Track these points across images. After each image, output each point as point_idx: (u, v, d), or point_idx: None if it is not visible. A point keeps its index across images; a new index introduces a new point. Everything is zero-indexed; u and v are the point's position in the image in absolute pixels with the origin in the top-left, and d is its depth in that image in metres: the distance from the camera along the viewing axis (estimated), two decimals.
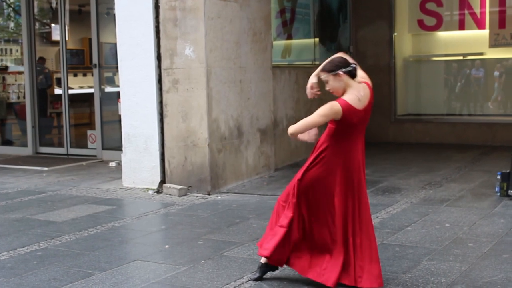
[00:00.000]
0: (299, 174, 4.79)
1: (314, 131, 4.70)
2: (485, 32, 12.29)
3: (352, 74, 4.58)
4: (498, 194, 7.60)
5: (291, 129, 4.66)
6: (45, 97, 12.90)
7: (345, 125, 4.54)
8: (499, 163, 9.33)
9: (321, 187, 4.69)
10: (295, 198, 4.76)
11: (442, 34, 13.05)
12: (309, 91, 4.84)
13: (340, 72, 4.55)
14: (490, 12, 12.23)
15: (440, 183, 8.58)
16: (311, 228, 4.77)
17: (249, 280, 4.98)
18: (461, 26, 12.65)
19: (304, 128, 4.64)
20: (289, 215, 4.76)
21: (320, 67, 4.69)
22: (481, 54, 12.63)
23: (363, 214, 4.71)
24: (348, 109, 4.50)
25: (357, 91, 4.57)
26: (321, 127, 4.65)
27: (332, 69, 4.58)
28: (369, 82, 4.69)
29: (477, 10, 12.35)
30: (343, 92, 4.58)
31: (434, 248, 5.67)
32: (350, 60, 4.65)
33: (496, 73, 12.63)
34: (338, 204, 4.66)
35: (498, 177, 7.60)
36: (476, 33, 12.54)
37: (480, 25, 12.41)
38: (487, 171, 9.17)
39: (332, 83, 4.60)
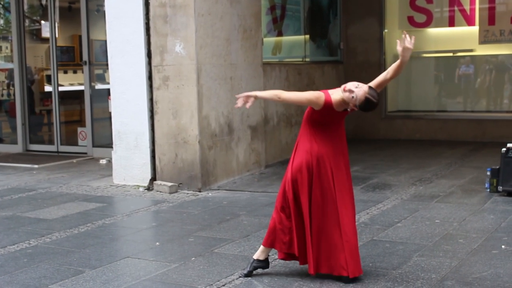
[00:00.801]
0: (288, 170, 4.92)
1: (249, 104, 4.80)
2: (475, 29, 12.33)
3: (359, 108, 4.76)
4: (488, 190, 7.63)
5: (283, 94, 4.82)
6: (31, 94, 12.87)
7: (319, 115, 4.78)
8: (489, 159, 9.37)
9: (303, 177, 4.81)
10: (291, 193, 4.83)
11: (432, 31, 13.08)
12: (243, 99, 4.82)
13: (357, 108, 4.73)
14: (480, 9, 12.25)
15: (430, 179, 8.61)
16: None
17: (240, 276, 4.99)
18: (451, 23, 12.68)
19: (290, 101, 5.02)
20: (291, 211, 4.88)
21: (371, 95, 4.69)
22: (471, 50, 12.66)
23: (328, 206, 4.79)
24: (328, 107, 4.73)
25: (342, 102, 4.74)
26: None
27: (360, 106, 4.70)
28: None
29: (467, 7, 12.38)
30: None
31: (424, 244, 5.69)
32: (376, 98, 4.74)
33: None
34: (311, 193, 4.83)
35: (488, 173, 7.63)
36: (466, 29, 12.56)
37: (470, 21, 12.44)
38: (477, 167, 9.20)
39: (349, 99, 4.68)
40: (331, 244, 4.77)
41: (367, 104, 4.69)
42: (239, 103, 4.77)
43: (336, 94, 4.75)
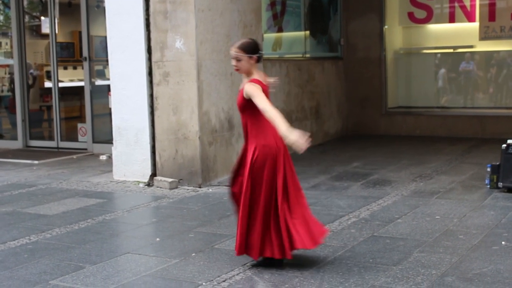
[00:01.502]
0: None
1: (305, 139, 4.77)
2: (475, 25, 12.31)
3: (259, 60, 5.04)
4: (488, 186, 7.62)
5: (286, 130, 4.76)
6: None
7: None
8: (489, 156, 9.37)
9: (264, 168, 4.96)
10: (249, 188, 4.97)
11: (432, 27, 13.07)
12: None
13: (254, 56, 4.97)
14: (480, 5, 12.24)
15: (431, 175, 8.61)
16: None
17: (252, 266, 5.08)
18: (451, 19, 12.67)
19: (275, 115, 4.82)
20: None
21: (237, 44, 5.01)
22: (471, 47, 12.65)
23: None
24: (262, 84, 4.95)
25: (260, 73, 5.07)
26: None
27: (250, 51, 4.96)
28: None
29: (467, 3, 12.36)
30: (248, 73, 5.00)
31: (425, 240, 5.69)
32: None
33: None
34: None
35: (488, 169, 7.62)
36: (466, 26, 12.55)
37: (470, 18, 12.42)
38: (477, 164, 9.20)
39: (244, 63, 4.98)
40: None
41: (249, 43, 5.00)
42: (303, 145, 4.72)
43: (256, 75, 5.01)
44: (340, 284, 4.67)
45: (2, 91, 13.47)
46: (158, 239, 6.05)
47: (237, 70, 5.04)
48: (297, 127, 11.38)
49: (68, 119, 12.46)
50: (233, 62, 5.02)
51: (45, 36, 12.41)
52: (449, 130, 12.30)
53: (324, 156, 10.40)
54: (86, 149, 11.60)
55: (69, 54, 12.96)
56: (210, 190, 8.17)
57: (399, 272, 4.89)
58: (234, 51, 4.98)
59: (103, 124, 11.43)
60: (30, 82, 12.74)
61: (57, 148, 12.01)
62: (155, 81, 8.54)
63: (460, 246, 5.49)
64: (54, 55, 11.98)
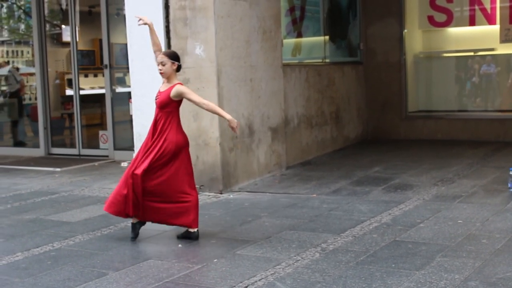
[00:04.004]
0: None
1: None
2: (496, 28, 12.24)
3: (179, 69, 6.16)
4: (511, 190, 7.58)
5: (228, 114, 6.07)
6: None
7: (180, 103, 6.13)
8: (511, 159, 9.30)
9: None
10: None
11: (452, 30, 13.01)
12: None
13: (176, 62, 6.10)
14: (501, 8, 12.17)
15: (452, 179, 8.56)
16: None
17: (132, 238, 6.13)
18: (472, 22, 12.61)
19: (213, 105, 6.27)
20: None
21: (163, 52, 6.19)
22: (492, 49, 12.58)
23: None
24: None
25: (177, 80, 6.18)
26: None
27: (173, 57, 6.11)
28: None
29: (488, 6, 12.30)
30: (170, 77, 6.09)
31: (447, 245, 5.66)
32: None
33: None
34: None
35: (511, 173, 7.58)
36: (487, 28, 12.48)
37: (490, 20, 12.36)
38: (499, 167, 9.13)
39: (168, 68, 6.05)
40: None
41: (174, 52, 6.28)
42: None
43: (177, 81, 6.12)
44: None
45: (24, 99, 13.62)
46: (180, 245, 6.07)
47: (162, 73, 6.06)
48: (317, 132, 11.41)
49: (89, 127, 12.55)
50: (159, 67, 6.05)
51: (66, 44, 12.52)
52: (470, 134, 12.22)
53: (345, 161, 10.38)
54: (107, 156, 11.67)
55: (90, 62, 13.06)
56: (231, 196, 8.19)
57: (422, 277, 4.87)
58: (160, 57, 6.06)
59: (124, 131, 11.49)
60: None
61: (79, 155, 12.10)
62: None
63: (483, 251, 5.45)
64: (75, 63, 12.07)
